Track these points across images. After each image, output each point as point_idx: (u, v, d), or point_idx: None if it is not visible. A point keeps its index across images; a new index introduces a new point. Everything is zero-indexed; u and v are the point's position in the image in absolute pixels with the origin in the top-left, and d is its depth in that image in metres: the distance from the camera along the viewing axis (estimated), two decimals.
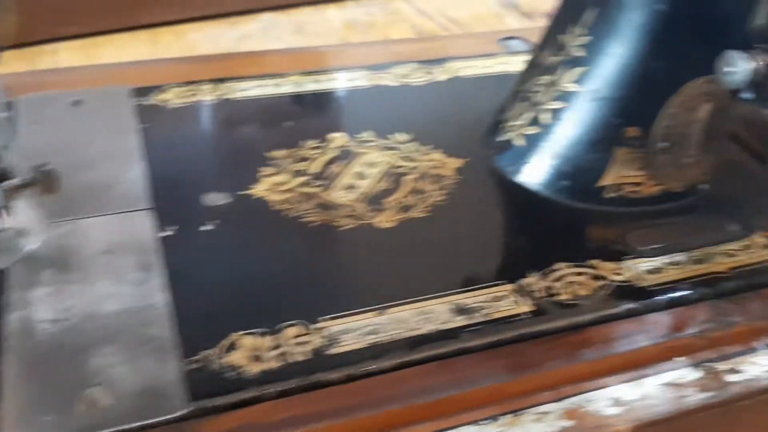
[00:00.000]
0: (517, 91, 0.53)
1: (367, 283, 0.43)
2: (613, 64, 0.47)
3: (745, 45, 0.45)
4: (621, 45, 0.47)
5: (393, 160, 0.52)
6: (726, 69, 0.40)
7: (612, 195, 0.49)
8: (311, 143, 0.53)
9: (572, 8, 0.50)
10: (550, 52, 0.51)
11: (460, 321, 0.40)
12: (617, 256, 0.46)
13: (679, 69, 0.45)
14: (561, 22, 0.51)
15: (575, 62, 0.49)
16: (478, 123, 0.56)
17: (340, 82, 0.61)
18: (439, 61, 0.65)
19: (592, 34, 0.48)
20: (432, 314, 0.40)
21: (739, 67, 0.39)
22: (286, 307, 0.40)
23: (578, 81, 0.49)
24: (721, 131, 0.49)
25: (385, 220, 0.47)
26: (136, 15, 0.89)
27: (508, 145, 0.52)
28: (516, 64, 0.64)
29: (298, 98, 0.58)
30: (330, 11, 1.00)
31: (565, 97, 0.49)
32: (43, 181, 0.41)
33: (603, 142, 0.49)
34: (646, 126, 0.47)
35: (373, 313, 0.40)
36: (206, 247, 0.44)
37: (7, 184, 0.40)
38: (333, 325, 0.39)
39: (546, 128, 0.50)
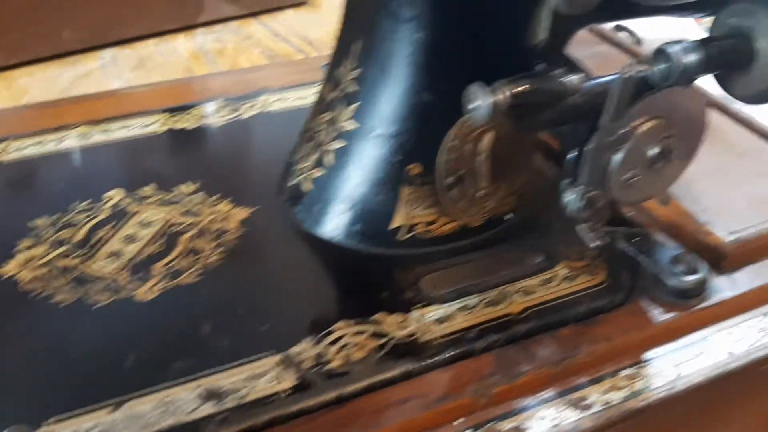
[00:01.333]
0: (304, 129, 0.49)
1: (108, 371, 0.38)
2: (386, 99, 0.43)
3: (517, 68, 0.42)
4: (390, 78, 0.43)
5: (171, 216, 0.48)
6: (469, 105, 0.36)
7: (405, 237, 0.45)
8: (82, 206, 0.48)
9: (344, 39, 0.46)
10: (329, 87, 0.47)
11: (207, 409, 0.36)
12: (407, 306, 0.42)
13: (453, 100, 0.41)
14: (337, 54, 0.47)
15: (350, 98, 0.45)
16: (275, 165, 0.51)
17: (132, 129, 0.56)
18: (253, 95, 0.61)
19: (362, 67, 0.44)
20: (177, 404, 0.36)
21: (480, 101, 0.35)
22: (10, 410, 0.35)
23: (355, 118, 0.45)
24: (511, 158, 0.46)
25: (147, 291, 0.42)
26: None
27: (297, 190, 0.48)
28: None
29: (78, 154, 0.53)
30: (178, 41, 0.95)
31: (345, 135, 0.45)
32: None
33: (387, 182, 0.45)
34: (429, 162, 0.44)
35: (108, 409, 0.35)
36: None
37: None
38: (59, 429, 0.34)
39: (331, 170, 0.46)
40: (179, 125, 0.56)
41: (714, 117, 0.44)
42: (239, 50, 0.94)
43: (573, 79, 0.37)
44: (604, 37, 0.69)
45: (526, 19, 0.43)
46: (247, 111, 0.59)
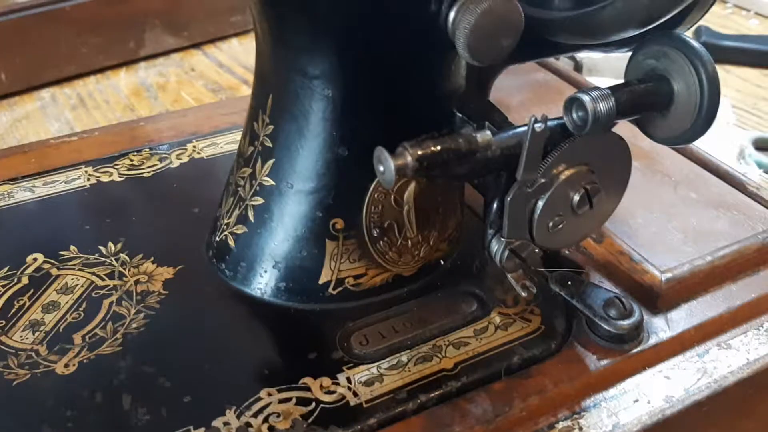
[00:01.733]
0: (228, 181, 0.48)
1: None
2: (301, 155, 0.42)
3: (434, 118, 0.41)
4: (304, 134, 0.42)
5: (96, 279, 0.46)
6: (377, 169, 0.35)
7: (335, 291, 0.44)
8: (2, 273, 0.46)
9: (258, 93, 0.45)
10: (248, 141, 0.45)
11: None
12: (336, 367, 0.41)
13: (370, 154, 0.40)
14: (253, 108, 0.45)
15: (266, 154, 0.44)
16: (202, 219, 0.50)
17: (56, 186, 0.54)
18: (183, 141, 0.59)
19: (275, 124, 0.43)
20: None
21: (383, 167, 0.34)
22: None
23: (272, 174, 0.43)
24: (438, 205, 0.45)
25: (66, 364, 0.41)
26: None
27: (223, 246, 0.46)
28: None
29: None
30: (119, 77, 0.93)
31: (264, 191, 0.44)
32: None
33: (310, 237, 0.43)
34: (352, 215, 0.43)
35: None
36: None
37: None
38: None
39: (252, 227, 0.45)
40: (105, 179, 0.54)
41: (647, 144, 0.43)
42: (182, 84, 0.92)
43: (485, 134, 0.36)
44: (543, 64, 0.69)
45: (440, 70, 0.42)
46: (175, 159, 0.57)
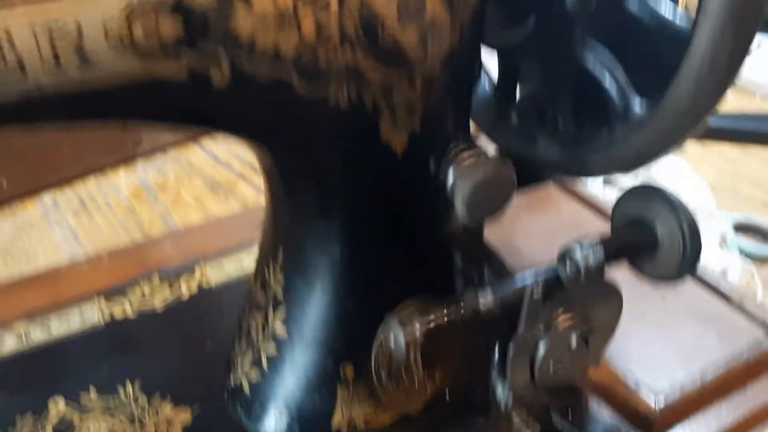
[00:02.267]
0: (240, 321, 0.50)
1: None
2: (312, 307, 0.45)
3: (436, 259, 0.44)
4: (314, 287, 0.44)
5: (117, 427, 0.48)
6: (389, 338, 0.37)
7: None
8: (27, 420, 0.48)
9: (270, 242, 0.47)
10: (259, 286, 0.48)
11: None
12: None
13: (378, 306, 0.42)
14: (265, 249, 0.48)
15: (278, 305, 0.46)
16: (216, 355, 0.52)
17: (72, 323, 0.56)
18: (190, 265, 0.61)
19: (286, 275, 0.45)
20: None
21: (392, 340, 0.37)
22: None
23: (285, 323, 0.46)
24: (444, 348, 0.47)
25: None
26: None
27: (238, 389, 0.48)
28: None
29: (18, 360, 0.53)
30: (119, 177, 0.96)
31: (277, 340, 0.46)
32: None
33: (321, 385, 0.46)
34: (361, 361, 0.45)
35: None
36: None
37: None
38: None
39: (265, 373, 0.47)
40: (118, 314, 0.57)
41: None
42: (180, 182, 0.94)
43: (486, 299, 0.39)
44: (572, 192, 0.70)
45: (440, 220, 0.45)
46: (185, 288, 0.59)
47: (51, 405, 0.49)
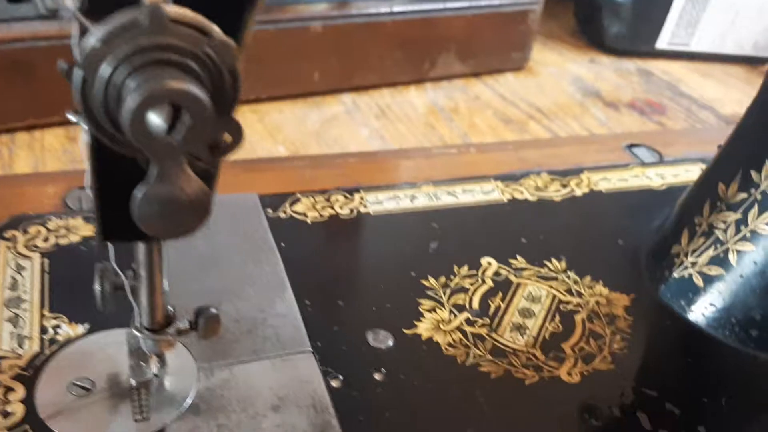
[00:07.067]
0: (690, 220, 0.49)
1: None
2: None
3: None
4: None
5: (556, 293, 0.48)
6: None
7: None
8: (464, 270, 0.49)
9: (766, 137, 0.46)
10: (736, 185, 0.47)
11: None
12: None
13: None
14: (751, 150, 0.47)
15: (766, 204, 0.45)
16: (633, 251, 0.52)
17: (475, 195, 0.56)
18: (573, 171, 0.61)
19: None
20: None
21: None
22: None
23: None
24: None
25: (569, 372, 0.42)
26: None
27: (685, 283, 0.47)
28: (653, 177, 0.61)
29: (433, 214, 0.54)
30: (411, 94, 0.97)
31: (757, 239, 0.45)
32: (205, 327, 0.36)
33: None
34: None
35: None
36: (382, 402, 0.39)
37: (169, 330, 0.35)
38: None
39: (732, 270, 0.46)
40: (518, 196, 0.57)
41: None
42: (472, 110, 0.95)
43: None
44: None
45: None
46: (575, 187, 0.59)
47: (483, 262, 0.50)
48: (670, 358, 0.45)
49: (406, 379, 0.40)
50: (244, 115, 0.87)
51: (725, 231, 0.46)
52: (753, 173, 0.46)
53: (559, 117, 0.96)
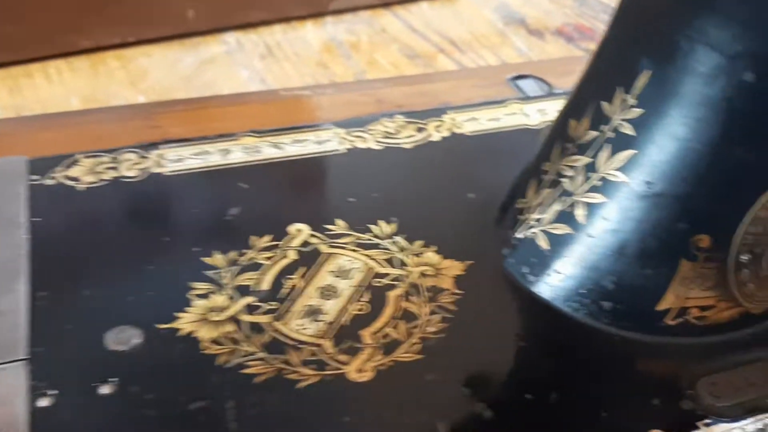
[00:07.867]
0: (537, 167, 0.40)
1: None
2: (677, 151, 0.34)
3: None
4: (687, 125, 0.33)
5: (373, 264, 0.39)
6: None
7: (672, 322, 0.36)
8: (264, 242, 0.39)
9: (620, 63, 0.36)
10: (587, 122, 0.37)
11: None
12: (688, 421, 0.33)
13: None
14: (603, 80, 0.37)
15: (622, 142, 0.35)
16: (483, 206, 0.42)
17: (306, 145, 0.47)
18: (436, 111, 0.51)
19: (645, 107, 0.34)
20: None
21: None
22: None
23: (626, 168, 0.35)
24: None
25: (360, 368, 0.33)
26: (74, 39, 0.75)
27: (529, 245, 0.38)
28: (533, 115, 0.51)
29: (247, 172, 0.44)
30: (307, 29, 0.86)
31: (608, 188, 0.36)
32: None
33: (660, 253, 0.35)
34: (722, 234, 0.34)
35: None
36: (100, 425, 0.30)
37: None
38: None
39: (580, 229, 0.37)
40: (360, 144, 0.47)
41: None
42: (375, 45, 0.84)
43: None
44: None
45: None
46: (434, 131, 0.49)
47: (292, 230, 0.40)
48: (500, 342, 0.36)
49: (140, 391, 0.31)
50: (106, 61, 0.77)
51: (573, 179, 0.37)
52: (605, 105, 0.36)
53: (474, 48, 0.85)
